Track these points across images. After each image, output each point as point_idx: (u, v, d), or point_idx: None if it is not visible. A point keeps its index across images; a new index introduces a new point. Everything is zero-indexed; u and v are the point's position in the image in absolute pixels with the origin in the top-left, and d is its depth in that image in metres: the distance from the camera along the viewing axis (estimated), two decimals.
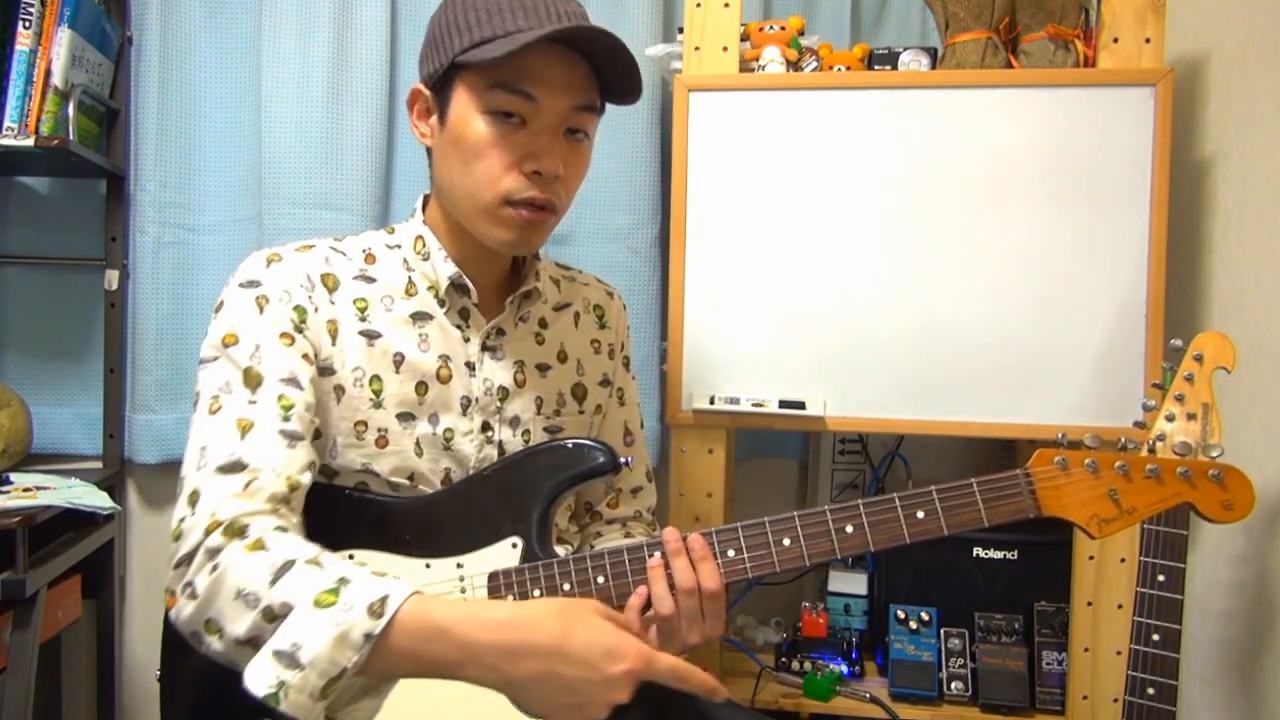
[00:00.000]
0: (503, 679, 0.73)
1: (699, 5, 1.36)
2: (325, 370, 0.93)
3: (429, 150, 0.99)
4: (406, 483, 0.96)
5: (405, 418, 0.95)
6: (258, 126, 1.57)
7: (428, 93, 0.96)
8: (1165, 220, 1.26)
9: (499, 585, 0.91)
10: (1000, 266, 1.29)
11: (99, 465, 1.64)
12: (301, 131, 1.56)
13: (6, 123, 1.43)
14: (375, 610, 0.71)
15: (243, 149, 1.61)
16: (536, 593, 0.90)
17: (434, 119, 0.95)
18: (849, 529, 0.88)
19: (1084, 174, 1.28)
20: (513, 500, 0.94)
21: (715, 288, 1.35)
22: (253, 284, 0.92)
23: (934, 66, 1.36)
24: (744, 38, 1.40)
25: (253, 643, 0.74)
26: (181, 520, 0.80)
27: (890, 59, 1.37)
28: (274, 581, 0.74)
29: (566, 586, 0.90)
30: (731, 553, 0.89)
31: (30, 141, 1.41)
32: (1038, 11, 1.32)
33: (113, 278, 1.63)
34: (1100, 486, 0.87)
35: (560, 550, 1.03)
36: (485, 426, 0.99)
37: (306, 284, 0.93)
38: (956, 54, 1.35)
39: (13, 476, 1.44)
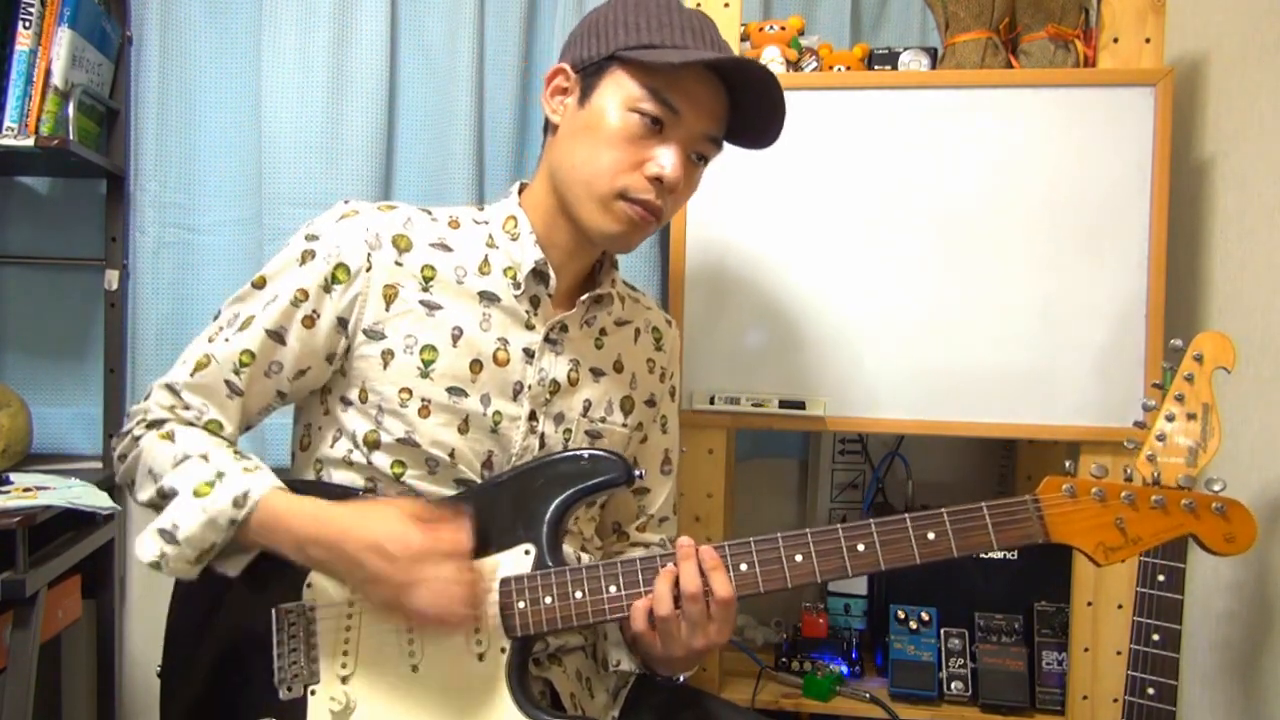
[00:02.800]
0: (320, 562, 0.89)
1: (699, 5, 1.36)
2: (374, 334, 0.96)
3: (548, 128, 1.01)
4: (446, 458, 0.96)
5: (456, 392, 0.97)
6: (258, 126, 1.57)
7: (574, 75, 0.98)
8: (1165, 220, 1.26)
9: (511, 591, 0.91)
10: (1000, 266, 1.29)
11: (99, 465, 1.64)
12: (301, 131, 1.55)
13: (6, 123, 1.43)
14: (238, 502, 0.87)
15: (243, 149, 1.61)
16: (549, 600, 0.90)
17: (570, 99, 0.98)
18: (861, 548, 0.89)
19: (1084, 174, 1.28)
20: (527, 508, 0.94)
21: (715, 287, 1.35)
22: (312, 236, 0.98)
23: (934, 66, 1.36)
24: (744, 38, 1.40)
25: (154, 507, 0.93)
26: (137, 404, 1.00)
27: (890, 59, 1.37)
28: (173, 467, 0.91)
29: (579, 594, 0.90)
30: (744, 567, 0.90)
31: (30, 141, 1.41)
32: (1038, 11, 1.32)
33: (113, 278, 1.63)
34: (1107, 515, 0.88)
35: (583, 558, 1.03)
36: (532, 415, 1.00)
37: (372, 242, 0.96)
38: (956, 54, 1.35)
39: (13, 476, 1.44)
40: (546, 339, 1.01)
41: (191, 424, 0.96)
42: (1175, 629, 0.95)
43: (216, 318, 0.99)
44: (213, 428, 0.96)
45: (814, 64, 1.40)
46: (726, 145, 1.02)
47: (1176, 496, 0.88)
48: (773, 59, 1.38)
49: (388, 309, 0.96)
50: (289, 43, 1.56)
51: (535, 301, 1.01)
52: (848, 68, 1.37)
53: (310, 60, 1.56)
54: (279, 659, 0.91)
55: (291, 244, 0.98)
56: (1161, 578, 0.96)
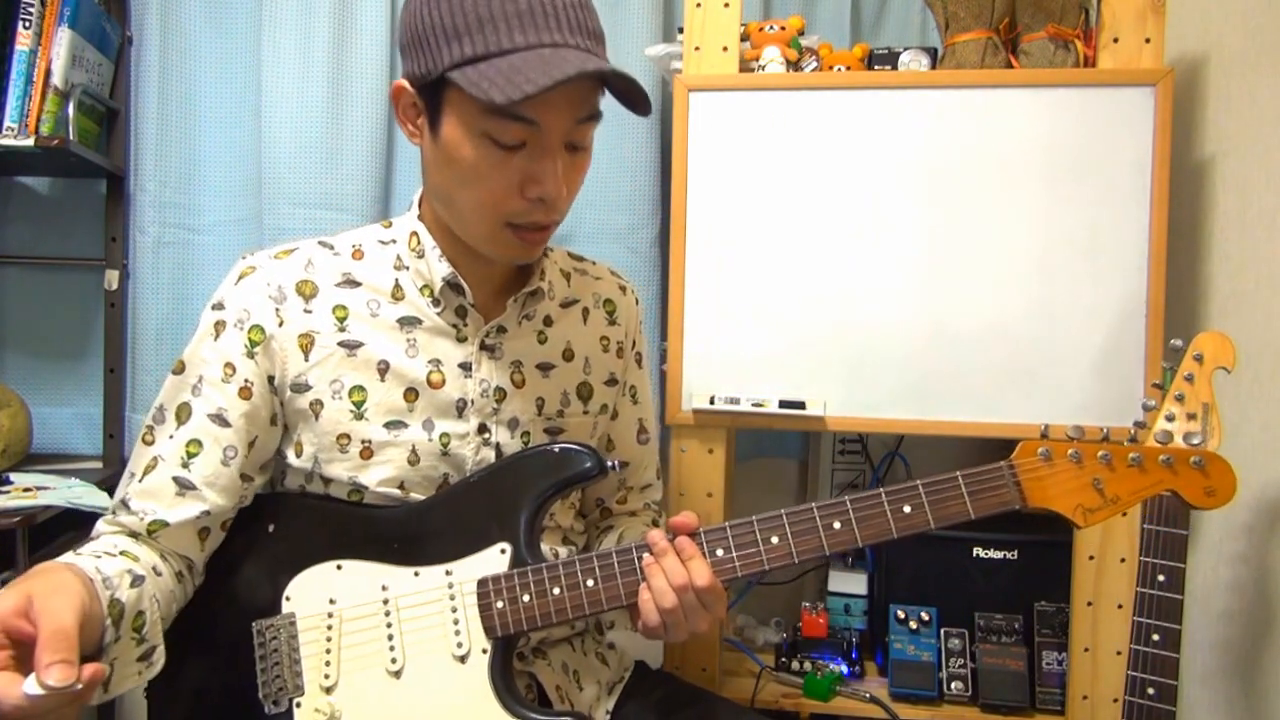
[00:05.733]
0: None
1: (699, 5, 1.36)
2: (299, 387, 0.93)
3: (421, 150, 0.95)
4: (397, 492, 0.95)
5: (395, 425, 0.94)
6: (258, 126, 1.57)
7: (413, 91, 0.88)
8: (1165, 220, 1.26)
9: (489, 591, 0.91)
10: (1000, 266, 1.29)
11: (99, 465, 1.64)
12: (301, 131, 1.56)
13: (6, 123, 1.43)
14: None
15: (243, 149, 1.61)
16: (526, 598, 0.90)
17: (423, 119, 0.89)
18: (836, 525, 0.88)
19: (1084, 174, 1.28)
20: (500, 506, 0.93)
21: (715, 288, 1.35)
22: (218, 306, 0.94)
23: (934, 66, 1.36)
24: (744, 38, 1.40)
25: None
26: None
27: (890, 59, 1.37)
28: None
29: (556, 590, 0.90)
30: (720, 552, 0.89)
31: (30, 141, 1.41)
32: (1038, 11, 1.32)
33: (113, 278, 1.63)
34: (1084, 476, 0.87)
35: (564, 551, 1.03)
36: (482, 429, 0.97)
37: (276, 295, 0.93)
38: (956, 54, 1.35)
39: (13, 476, 1.44)
40: (483, 346, 0.97)
41: (133, 531, 0.89)
42: (1175, 629, 0.95)
43: (148, 418, 0.94)
44: (154, 528, 0.89)
45: (814, 64, 1.40)
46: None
47: (1154, 452, 0.87)
48: (773, 59, 1.38)
49: (306, 359, 0.92)
50: (289, 43, 1.56)
51: (461, 312, 0.97)
52: (848, 68, 1.37)
53: (310, 60, 1.56)
54: (262, 674, 0.91)
55: (201, 320, 0.94)
56: (1161, 578, 0.96)
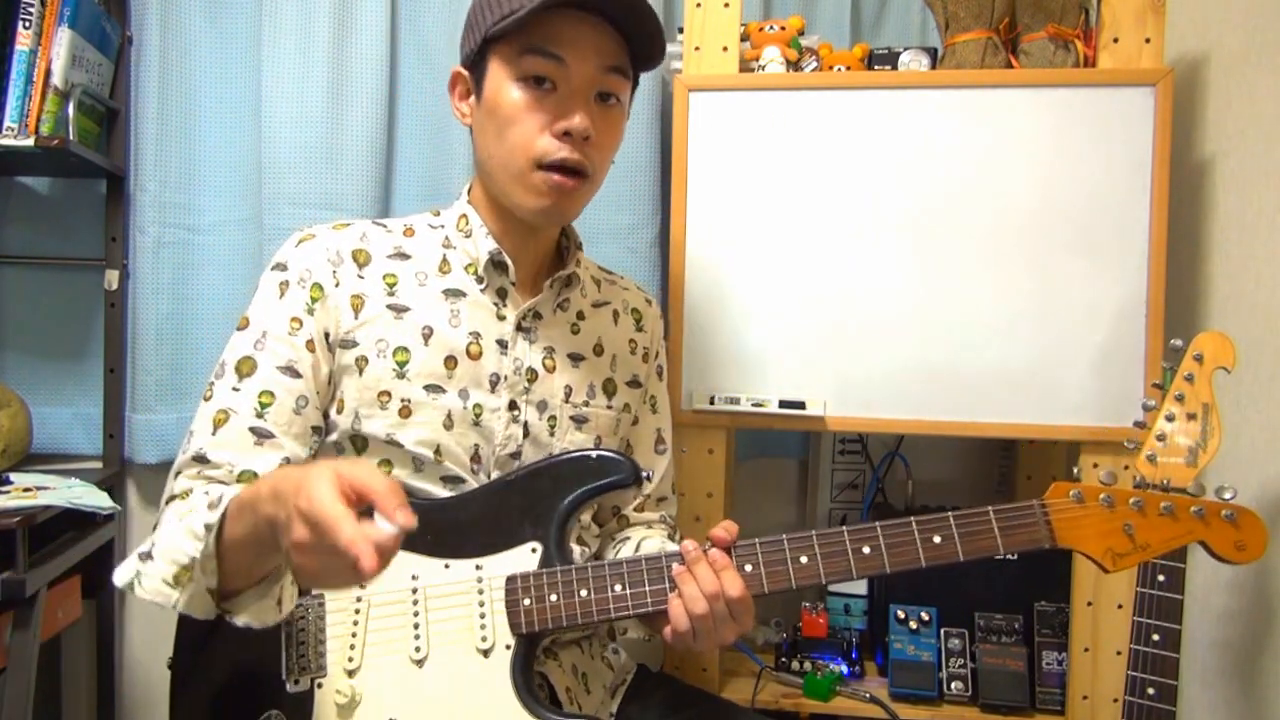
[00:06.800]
0: (272, 518, 0.73)
1: (699, 5, 1.36)
2: (346, 343, 0.97)
3: (471, 130, 1.02)
4: (431, 456, 0.97)
5: (433, 389, 0.98)
6: (258, 126, 1.57)
7: (466, 73, 1.00)
8: (1165, 220, 1.26)
9: (517, 589, 0.92)
10: (1000, 266, 1.29)
11: (99, 465, 1.64)
12: (301, 131, 1.55)
13: (6, 123, 1.43)
14: (213, 505, 0.80)
15: (243, 149, 1.61)
16: (554, 598, 0.91)
17: (472, 98, 1.00)
18: (866, 550, 0.89)
19: (1084, 174, 1.28)
20: (534, 506, 0.95)
21: (715, 287, 1.35)
22: (280, 266, 0.99)
23: (934, 66, 1.36)
24: (744, 38, 1.40)
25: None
26: (168, 481, 0.95)
27: (890, 59, 1.37)
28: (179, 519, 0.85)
29: (584, 593, 0.91)
30: (749, 568, 0.90)
31: (30, 141, 1.41)
32: (1038, 11, 1.32)
33: (113, 278, 1.63)
34: (1115, 521, 0.88)
35: (578, 550, 1.04)
36: (512, 405, 1.01)
37: (334, 259, 0.98)
38: (956, 54, 1.35)
39: (13, 476, 1.44)
40: (519, 327, 1.02)
41: (223, 483, 0.91)
42: (1175, 629, 0.95)
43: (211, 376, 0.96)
44: (244, 478, 0.91)
45: (814, 64, 1.40)
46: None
47: (1185, 503, 0.88)
48: (773, 59, 1.38)
49: (356, 317, 0.97)
50: (289, 43, 1.56)
51: (502, 293, 1.02)
52: (848, 68, 1.37)
53: (310, 60, 1.56)
54: (287, 651, 0.92)
55: (263, 282, 0.99)
56: (1161, 578, 0.96)
